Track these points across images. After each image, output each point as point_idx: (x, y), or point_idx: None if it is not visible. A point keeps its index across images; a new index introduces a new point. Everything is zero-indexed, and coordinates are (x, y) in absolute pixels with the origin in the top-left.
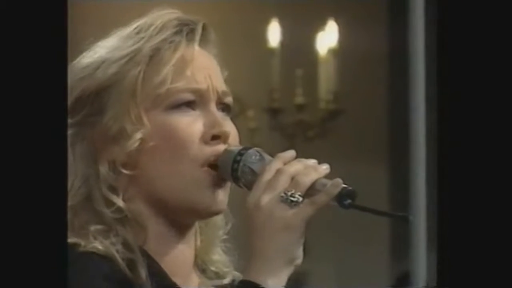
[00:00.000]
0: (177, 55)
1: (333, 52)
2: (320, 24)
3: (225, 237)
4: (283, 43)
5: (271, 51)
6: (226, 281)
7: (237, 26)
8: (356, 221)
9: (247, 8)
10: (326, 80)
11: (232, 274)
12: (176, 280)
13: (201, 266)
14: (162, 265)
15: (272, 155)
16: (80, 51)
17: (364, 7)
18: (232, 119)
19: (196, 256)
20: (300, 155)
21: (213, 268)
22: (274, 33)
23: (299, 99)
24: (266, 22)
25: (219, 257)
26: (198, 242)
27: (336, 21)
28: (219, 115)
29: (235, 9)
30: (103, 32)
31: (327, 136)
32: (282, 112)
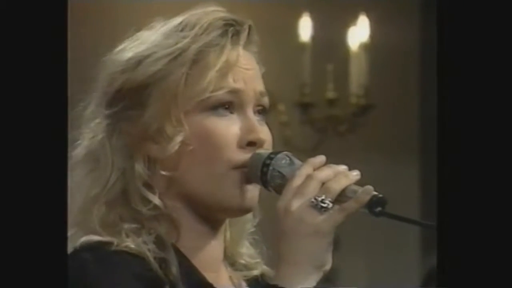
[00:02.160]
0: (222, 59)
1: (364, 47)
2: (351, 19)
3: (252, 229)
4: (314, 38)
5: (303, 45)
6: (255, 272)
7: (269, 21)
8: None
9: (278, 3)
10: (357, 75)
11: (261, 266)
12: (207, 275)
13: (230, 259)
14: (194, 262)
15: (303, 149)
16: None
17: (396, 1)
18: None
19: (225, 250)
20: (331, 149)
21: (241, 261)
22: (305, 28)
23: (330, 94)
24: (297, 17)
25: (247, 250)
26: (228, 236)
27: (368, 15)
28: (256, 120)
29: (266, 4)
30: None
31: (358, 130)
32: (313, 107)
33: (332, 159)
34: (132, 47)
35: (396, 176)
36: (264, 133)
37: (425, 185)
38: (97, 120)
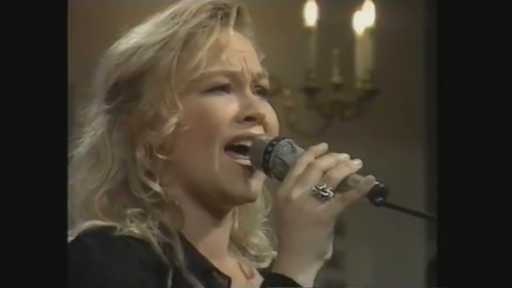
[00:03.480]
0: (212, 39)
1: (370, 31)
2: (357, 3)
3: (265, 220)
4: (320, 22)
5: (308, 30)
6: (264, 265)
7: (274, 6)
8: (392, 201)
9: None
10: (363, 59)
11: (270, 259)
12: (213, 261)
13: (241, 248)
14: (199, 248)
15: (309, 134)
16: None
17: None
18: (269, 98)
19: (231, 238)
20: (337, 134)
21: (252, 252)
22: (311, 12)
23: (336, 79)
24: (303, 1)
25: (259, 241)
26: (236, 225)
27: (373, 0)
28: (255, 98)
29: None
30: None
31: (364, 115)
32: (318, 92)
33: (338, 144)
34: (125, 41)
35: (401, 160)
36: (264, 108)
37: (430, 170)
38: (99, 117)
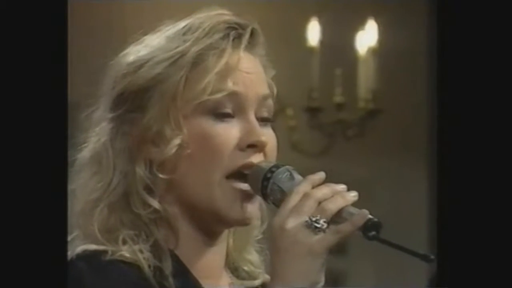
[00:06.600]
0: (221, 62)
1: (372, 51)
2: (359, 23)
3: (259, 236)
4: (322, 42)
5: (311, 50)
6: (257, 282)
7: (277, 25)
8: (395, 221)
9: (287, 7)
10: (366, 79)
11: (263, 276)
12: (207, 281)
13: (233, 264)
14: (193, 268)
15: (311, 153)
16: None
17: (404, 6)
18: (273, 121)
19: (227, 255)
20: (339, 154)
21: (245, 268)
22: (313, 32)
23: (339, 98)
24: (305, 21)
25: (252, 257)
26: (231, 242)
27: (376, 20)
28: (257, 124)
29: (274, 8)
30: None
31: (366, 135)
32: (321, 111)
33: (340, 164)
34: (135, 51)
35: (404, 180)
36: (266, 135)
37: (433, 189)
38: (103, 124)
